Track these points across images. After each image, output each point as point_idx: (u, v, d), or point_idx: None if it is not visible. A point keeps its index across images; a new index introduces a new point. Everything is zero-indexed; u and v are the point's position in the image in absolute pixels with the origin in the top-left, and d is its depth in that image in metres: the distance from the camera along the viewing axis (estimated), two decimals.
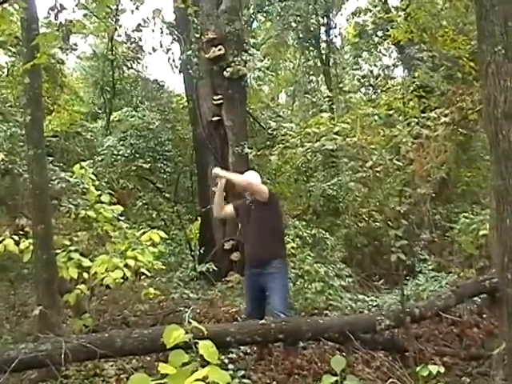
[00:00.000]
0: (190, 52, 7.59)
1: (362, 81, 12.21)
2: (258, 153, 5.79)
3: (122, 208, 4.65)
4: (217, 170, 3.97)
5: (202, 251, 6.93)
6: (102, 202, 4.57)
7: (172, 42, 8.26)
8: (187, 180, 9.97)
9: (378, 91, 11.16)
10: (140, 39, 9.33)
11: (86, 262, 4.01)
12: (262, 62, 8.94)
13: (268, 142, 9.44)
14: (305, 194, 9.80)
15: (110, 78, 10.58)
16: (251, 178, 3.91)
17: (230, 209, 4.03)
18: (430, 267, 6.36)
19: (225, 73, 7.46)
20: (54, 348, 2.92)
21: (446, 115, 4.32)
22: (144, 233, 4.56)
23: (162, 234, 4.49)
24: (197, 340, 1.80)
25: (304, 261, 5.93)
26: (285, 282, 3.92)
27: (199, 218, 7.95)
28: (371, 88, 12.01)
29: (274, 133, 8.28)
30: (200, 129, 7.67)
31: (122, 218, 4.71)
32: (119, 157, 8.16)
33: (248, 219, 3.84)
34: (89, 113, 11.61)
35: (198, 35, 7.56)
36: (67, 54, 10.31)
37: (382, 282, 6.92)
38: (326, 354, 3.66)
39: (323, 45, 12.64)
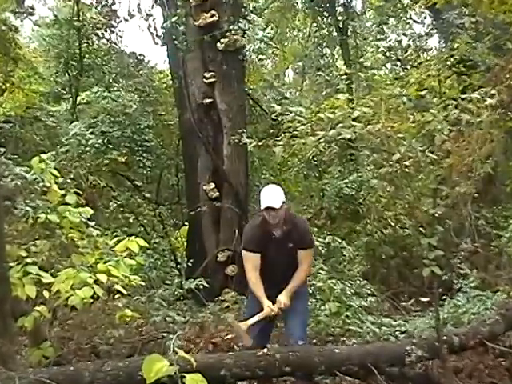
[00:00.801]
0: (175, 18, 7.59)
1: (387, 54, 12.18)
2: (260, 143, 5.52)
3: (91, 211, 4.61)
4: (282, 300, 3.69)
5: (190, 264, 7.03)
6: (66, 204, 4.54)
7: (153, 6, 8.45)
8: (172, 176, 10.07)
9: (408, 67, 11.17)
10: (113, 2, 9.47)
11: (46, 278, 3.90)
12: (264, 32, 8.82)
13: (272, 130, 9.42)
14: (317, 193, 9.89)
15: (76, 50, 10.57)
16: (310, 261, 3.91)
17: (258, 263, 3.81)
18: (472, 284, 6.35)
19: (218, 44, 7.47)
20: None
21: (491, 96, 4.24)
22: (119, 241, 4.47)
23: (142, 243, 4.40)
24: (184, 374, 1.78)
25: (316, 276, 5.99)
26: (307, 303, 4.01)
27: (187, 223, 8.03)
28: (399, 63, 12.00)
29: (279, 118, 8.04)
30: (188, 114, 7.72)
31: (92, 224, 4.67)
32: (88, 148, 8.18)
33: (275, 251, 3.80)
34: (50, 93, 11.61)
35: None
36: (22, 20, 10.40)
37: (413, 302, 6.97)
38: None
39: (340, 9, 12.58)
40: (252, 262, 3.71)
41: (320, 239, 7.16)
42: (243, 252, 3.79)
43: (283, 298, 3.63)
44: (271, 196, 3.73)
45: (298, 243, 3.74)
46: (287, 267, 3.74)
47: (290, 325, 3.78)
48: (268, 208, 3.66)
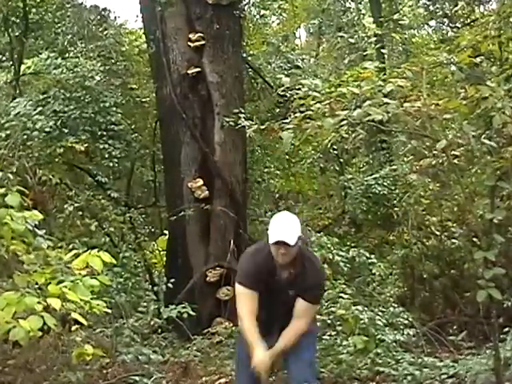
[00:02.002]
0: None
1: (430, 8, 12.15)
2: (262, 126, 5.64)
3: (40, 215, 4.57)
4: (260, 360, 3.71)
5: (170, 285, 7.00)
6: (7, 207, 4.54)
7: None
8: (147, 170, 10.08)
9: (458, 25, 11.14)
10: None
11: None
12: None
13: (278, 110, 9.58)
14: (337, 192, 9.94)
15: (19, 3, 10.44)
16: (309, 318, 3.84)
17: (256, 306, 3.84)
18: None
19: None
20: None
21: None
22: (77, 255, 4.52)
23: (107, 258, 4.45)
24: None
25: (336, 301, 5.94)
26: (313, 338, 3.97)
27: (166, 232, 8.15)
28: (446, 20, 11.97)
29: (288, 94, 8.12)
30: (168, 88, 7.76)
31: (42, 232, 4.64)
32: (36, 132, 8.02)
33: (274, 295, 3.81)
34: None
35: None
36: None
37: (464, 335, 6.93)
38: None
39: None
40: (247, 300, 3.76)
41: (341, 253, 7.12)
42: (237, 286, 3.81)
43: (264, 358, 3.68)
44: (285, 228, 3.70)
45: (301, 292, 3.76)
46: (285, 318, 3.78)
47: (292, 368, 3.81)
48: (279, 243, 3.65)
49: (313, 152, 10.28)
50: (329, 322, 5.84)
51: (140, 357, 5.48)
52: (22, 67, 10.35)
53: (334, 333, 5.78)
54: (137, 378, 4.96)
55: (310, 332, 3.85)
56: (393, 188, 9.01)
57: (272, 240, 3.63)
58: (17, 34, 10.70)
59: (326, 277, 4.20)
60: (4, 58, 11.34)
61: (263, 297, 3.75)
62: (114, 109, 8.87)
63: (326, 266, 6.77)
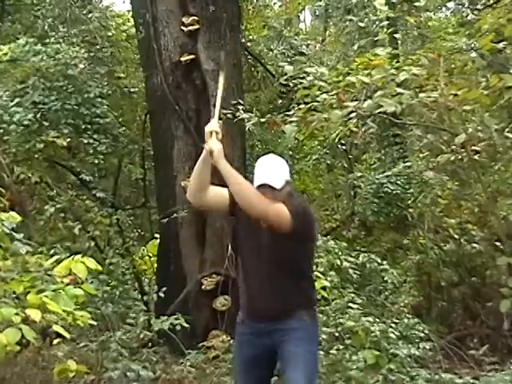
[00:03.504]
0: None
1: None
2: (263, 119, 5.64)
3: (18, 218, 4.55)
4: (212, 126, 3.79)
5: (162, 294, 6.95)
6: None
7: None
8: (136, 168, 10.00)
9: (479, 7, 11.12)
10: None
11: None
12: None
13: (281, 101, 9.54)
14: (346, 192, 9.88)
15: None
16: (281, 209, 3.65)
17: (221, 195, 3.81)
18: None
19: None
20: None
21: None
22: (59, 262, 4.49)
23: (92, 264, 4.44)
24: None
25: (344, 312, 5.95)
26: (314, 346, 3.92)
27: (157, 236, 8.03)
28: (465, 2, 11.93)
29: (292, 84, 8.22)
30: (159, 76, 7.70)
31: (20, 236, 4.61)
32: (13, 126, 8.01)
33: (255, 246, 3.79)
34: None
35: None
36: None
37: (486, 349, 6.96)
38: None
39: None
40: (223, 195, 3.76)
41: (350, 258, 7.12)
42: None
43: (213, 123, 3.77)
44: (271, 170, 3.70)
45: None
46: (274, 286, 3.74)
47: (289, 376, 3.73)
48: (264, 186, 3.62)
49: (319, 147, 10.17)
50: (336, 334, 5.81)
51: (128, 373, 5.45)
52: None
53: (342, 347, 5.73)
54: None
55: (311, 331, 3.82)
56: (407, 187, 8.97)
57: (256, 183, 3.61)
58: None
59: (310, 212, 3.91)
60: None
61: (245, 255, 3.80)
62: (100, 100, 8.73)
63: (333, 273, 6.76)
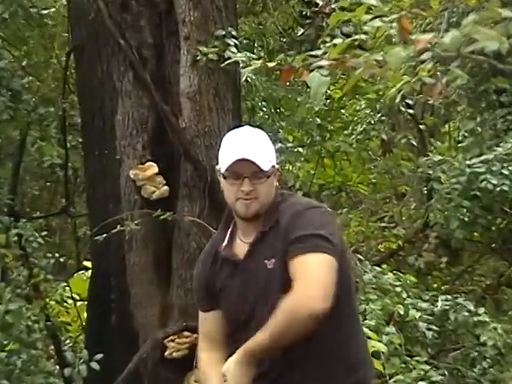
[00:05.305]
0: None
1: None
2: (271, 63, 4.34)
3: None
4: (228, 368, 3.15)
5: (95, 365, 5.63)
6: None
7: None
8: (50, 146, 8.54)
9: None
10: None
11: None
12: None
13: (302, 31, 8.74)
14: (415, 188, 8.72)
15: None
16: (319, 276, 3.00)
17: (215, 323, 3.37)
18: None
19: None
20: None
21: None
22: None
23: None
24: None
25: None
26: None
27: (88, 262, 7.45)
28: None
29: (320, 1, 8.16)
30: None
31: None
32: None
33: (240, 288, 3.28)
34: None
35: None
36: None
37: None
38: None
39: None
40: (205, 327, 3.48)
41: (423, 304, 6.02)
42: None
43: (230, 365, 3.18)
44: (249, 143, 3.12)
45: (284, 246, 3.05)
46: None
47: None
48: (241, 162, 2.99)
49: (367, 112, 8.65)
50: None
51: None
52: None
53: None
54: None
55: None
56: None
57: (226, 163, 3.00)
58: None
59: (326, 211, 3.13)
60: None
61: (227, 300, 3.33)
62: None
63: (393, 327, 5.64)
